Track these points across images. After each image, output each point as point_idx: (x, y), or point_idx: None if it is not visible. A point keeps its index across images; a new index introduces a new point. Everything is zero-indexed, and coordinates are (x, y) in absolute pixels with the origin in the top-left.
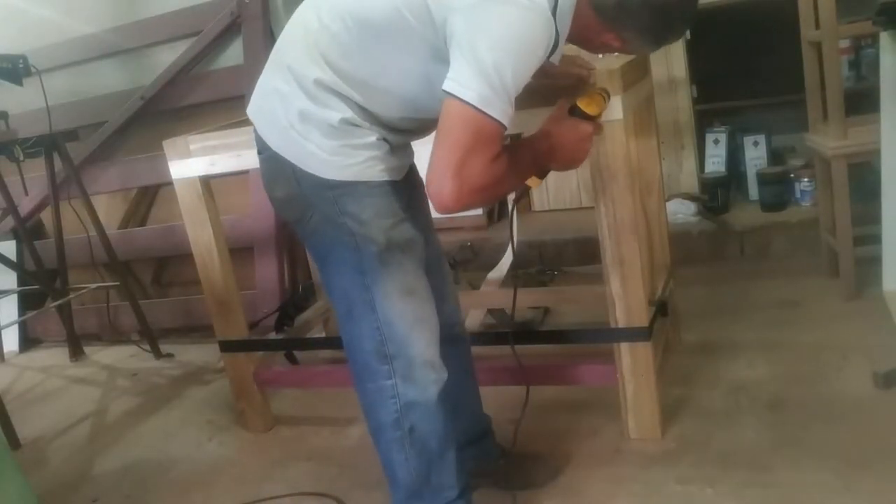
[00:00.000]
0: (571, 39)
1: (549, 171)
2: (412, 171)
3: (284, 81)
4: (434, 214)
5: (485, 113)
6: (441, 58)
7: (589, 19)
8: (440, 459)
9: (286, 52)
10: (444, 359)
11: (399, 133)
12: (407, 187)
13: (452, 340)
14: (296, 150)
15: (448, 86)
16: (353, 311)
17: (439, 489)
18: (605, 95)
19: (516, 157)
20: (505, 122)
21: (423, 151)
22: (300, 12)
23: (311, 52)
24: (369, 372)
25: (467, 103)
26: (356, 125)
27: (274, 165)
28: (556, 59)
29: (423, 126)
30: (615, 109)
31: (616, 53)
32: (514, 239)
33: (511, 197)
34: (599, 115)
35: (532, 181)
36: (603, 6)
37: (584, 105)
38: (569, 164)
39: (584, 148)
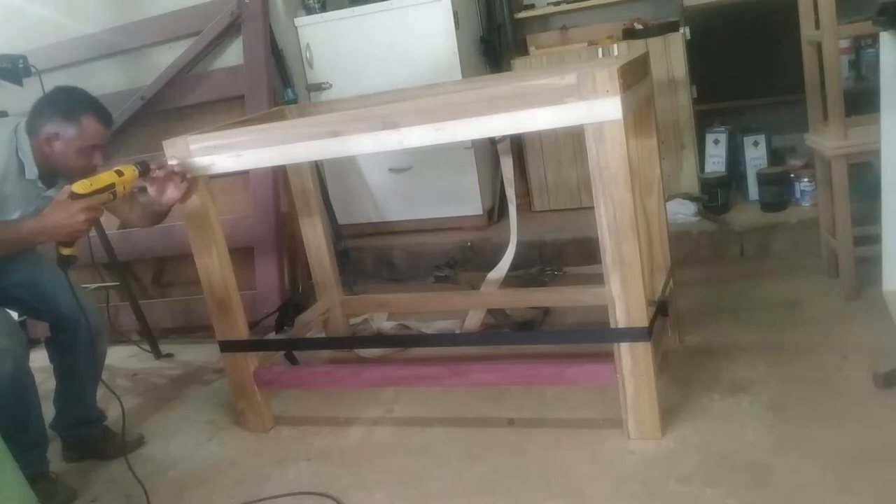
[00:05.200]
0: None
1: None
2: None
3: None
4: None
5: None
6: None
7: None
8: None
9: None
10: None
11: None
12: None
13: None
14: None
15: None
16: None
17: None
18: (118, 172)
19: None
20: None
21: None
22: None
23: None
24: None
25: None
26: None
27: None
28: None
29: None
30: (615, 109)
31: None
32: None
33: None
34: (91, 193)
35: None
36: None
37: (76, 187)
38: (64, 237)
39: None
